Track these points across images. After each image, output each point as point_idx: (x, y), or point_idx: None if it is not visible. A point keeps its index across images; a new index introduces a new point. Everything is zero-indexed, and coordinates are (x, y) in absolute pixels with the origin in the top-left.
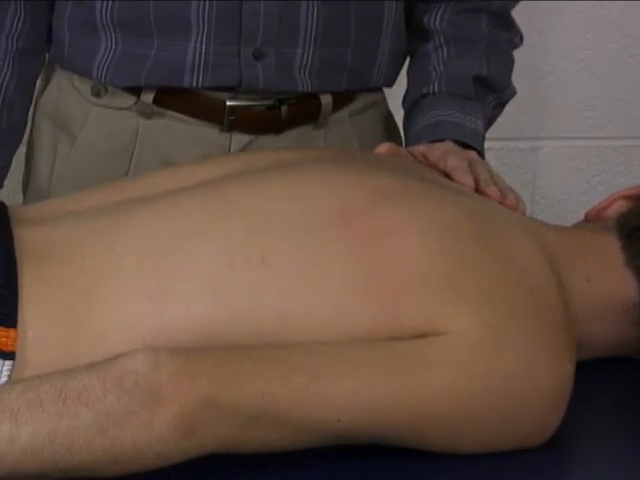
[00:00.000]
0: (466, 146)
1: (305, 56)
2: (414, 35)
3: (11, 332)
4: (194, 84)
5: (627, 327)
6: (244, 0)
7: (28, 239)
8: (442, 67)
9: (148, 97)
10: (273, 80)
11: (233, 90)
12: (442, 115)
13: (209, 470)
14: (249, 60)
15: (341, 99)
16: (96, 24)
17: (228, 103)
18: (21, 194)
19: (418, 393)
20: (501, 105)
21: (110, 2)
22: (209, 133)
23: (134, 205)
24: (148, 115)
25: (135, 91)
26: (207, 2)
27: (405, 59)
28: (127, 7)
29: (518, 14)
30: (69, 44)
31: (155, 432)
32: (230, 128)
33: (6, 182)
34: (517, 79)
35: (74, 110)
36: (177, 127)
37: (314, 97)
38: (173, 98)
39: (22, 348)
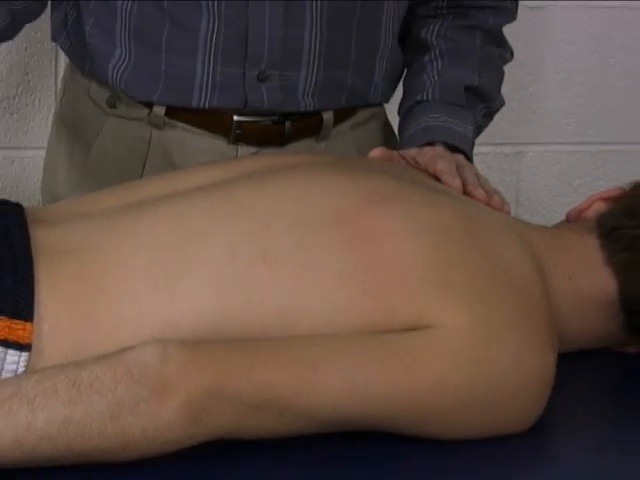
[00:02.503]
0: (455, 150)
1: (308, 78)
2: (411, 48)
3: (28, 325)
4: (201, 104)
5: (606, 321)
6: (250, 24)
7: (43, 238)
8: (436, 77)
9: (160, 110)
10: (277, 101)
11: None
12: (434, 120)
13: (213, 455)
14: (254, 82)
15: (342, 114)
16: (115, 29)
17: (235, 118)
18: (40, 196)
19: (410, 383)
20: (490, 114)
21: (130, 8)
22: (217, 144)
23: (143, 206)
24: (160, 126)
25: (148, 103)
26: (215, 24)
27: (401, 76)
28: (144, 17)
29: (505, 28)
30: (89, 46)
31: (163, 419)
32: (237, 140)
33: (25, 184)
34: (503, 88)
35: (90, 119)
36: (187, 138)
37: (316, 113)
38: (183, 112)
39: (38, 340)
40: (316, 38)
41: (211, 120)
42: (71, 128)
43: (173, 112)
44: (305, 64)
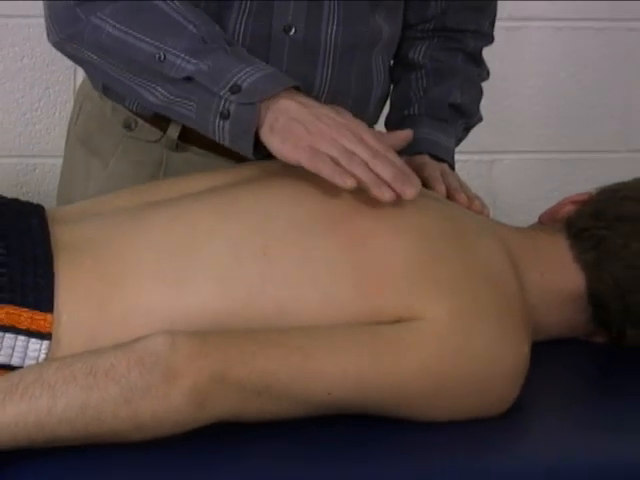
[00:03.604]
0: (440, 160)
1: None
2: (400, 66)
3: (48, 316)
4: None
5: (575, 313)
6: (270, 60)
7: (62, 236)
8: (422, 93)
9: (174, 133)
10: None
11: None
12: (421, 133)
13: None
14: None
15: None
16: None
17: None
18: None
19: (397, 370)
20: (468, 129)
21: None
22: (225, 165)
23: (154, 207)
24: (173, 148)
25: (163, 127)
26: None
27: (388, 97)
28: None
29: None
30: None
31: (172, 403)
32: (244, 161)
33: (47, 189)
34: (481, 101)
35: (106, 139)
36: (197, 159)
37: None
38: (196, 135)
39: (57, 330)
40: (327, 76)
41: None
42: (87, 145)
43: (186, 135)
44: (314, 96)
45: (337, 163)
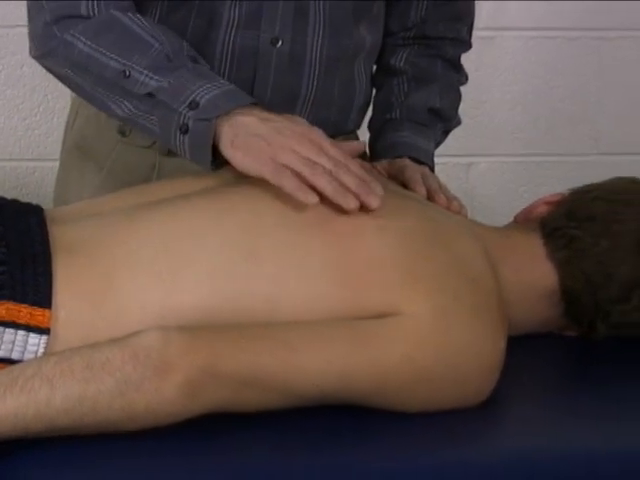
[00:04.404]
0: (420, 162)
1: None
2: (381, 71)
3: (46, 312)
4: None
5: (549, 308)
6: (257, 72)
7: (60, 236)
8: (403, 98)
9: None
10: None
11: None
12: (402, 137)
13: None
14: None
15: None
16: None
17: None
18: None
19: (380, 363)
20: (447, 132)
21: None
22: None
23: (148, 208)
24: (165, 153)
25: None
26: (225, 72)
27: (370, 104)
28: None
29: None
30: None
31: (164, 395)
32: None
33: (45, 191)
34: (459, 107)
35: (101, 144)
36: (188, 163)
37: None
38: None
39: (55, 325)
40: (313, 85)
41: None
42: (83, 150)
43: None
44: (300, 106)
45: (300, 173)
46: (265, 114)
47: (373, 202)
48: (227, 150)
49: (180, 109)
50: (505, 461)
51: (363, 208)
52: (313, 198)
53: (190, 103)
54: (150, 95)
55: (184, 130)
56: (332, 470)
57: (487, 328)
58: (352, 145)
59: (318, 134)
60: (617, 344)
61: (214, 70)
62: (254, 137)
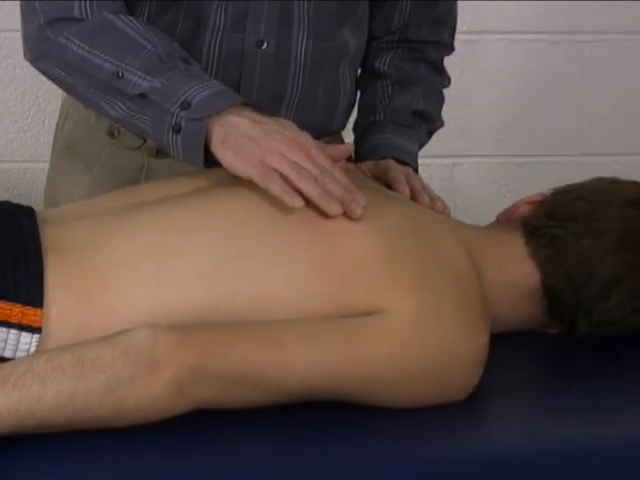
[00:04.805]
0: (404, 163)
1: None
2: (366, 74)
3: (38, 311)
4: None
5: (531, 306)
6: (243, 73)
7: (51, 236)
8: (387, 101)
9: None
10: None
11: None
12: (386, 139)
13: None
14: None
15: None
16: None
17: None
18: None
19: (365, 360)
20: (431, 133)
21: None
22: (203, 169)
23: (138, 208)
24: (153, 154)
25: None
26: (213, 71)
27: (354, 105)
28: None
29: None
30: None
31: (154, 392)
32: (220, 165)
33: (37, 192)
34: (443, 109)
35: (90, 146)
36: (176, 164)
37: None
38: None
39: (46, 324)
40: (298, 86)
41: None
42: (73, 151)
43: None
44: (285, 107)
45: (287, 177)
46: (256, 115)
47: (356, 210)
48: (218, 150)
49: (172, 109)
50: (488, 456)
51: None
52: (299, 202)
53: (182, 103)
54: (143, 95)
55: (176, 130)
56: (315, 466)
57: (471, 326)
58: (340, 148)
59: (307, 139)
60: (597, 341)
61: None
62: (244, 138)
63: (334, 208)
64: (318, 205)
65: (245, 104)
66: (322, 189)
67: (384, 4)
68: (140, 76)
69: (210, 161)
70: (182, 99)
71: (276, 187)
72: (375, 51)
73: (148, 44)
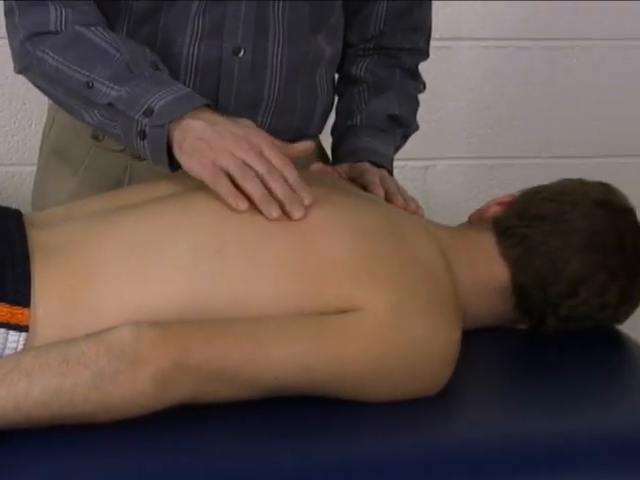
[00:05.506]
0: (379, 166)
1: (263, 124)
2: (343, 80)
3: (26, 311)
4: None
5: (502, 303)
6: (221, 80)
7: (38, 238)
8: (363, 105)
9: None
10: None
11: None
12: (362, 142)
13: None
14: None
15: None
16: None
17: None
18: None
19: (341, 356)
20: (406, 137)
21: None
22: (186, 173)
23: (122, 211)
24: (137, 156)
25: None
26: (190, 83)
27: (332, 109)
28: None
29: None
30: None
31: (137, 388)
32: None
33: (24, 195)
34: (418, 112)
35: (76, 149)
36: (159, 167)
37: None
38: None
39: (34, 323)
40: (275, 90)
41: None
42: (59, 155)
43: None
44: (262, 111)
45: (232, 177)
46: (213, 117)
47: (296, 213)
48: (177, 154)
49: (136, 117)
50: (460, 449)
51: (326, 207)
52: (242, 204)
53: (145, 111)
54: (110, 105)
55: (142, 136)
56: (294, 459)
57: (443, 322)
58: (297, 146)
59: (259, 137)
60: (565, 337)
61: (179, 80)
62: (199, 140)
63: (272, 212)
64: (259, 207)
65: (208, 106)
66: (264, 190)
67: (360, 13)
68: (108, 85)
69: (178, 164)
70: (145, 107)
71: (223, 189)
72: (352, 58)
73: (117, 53)
